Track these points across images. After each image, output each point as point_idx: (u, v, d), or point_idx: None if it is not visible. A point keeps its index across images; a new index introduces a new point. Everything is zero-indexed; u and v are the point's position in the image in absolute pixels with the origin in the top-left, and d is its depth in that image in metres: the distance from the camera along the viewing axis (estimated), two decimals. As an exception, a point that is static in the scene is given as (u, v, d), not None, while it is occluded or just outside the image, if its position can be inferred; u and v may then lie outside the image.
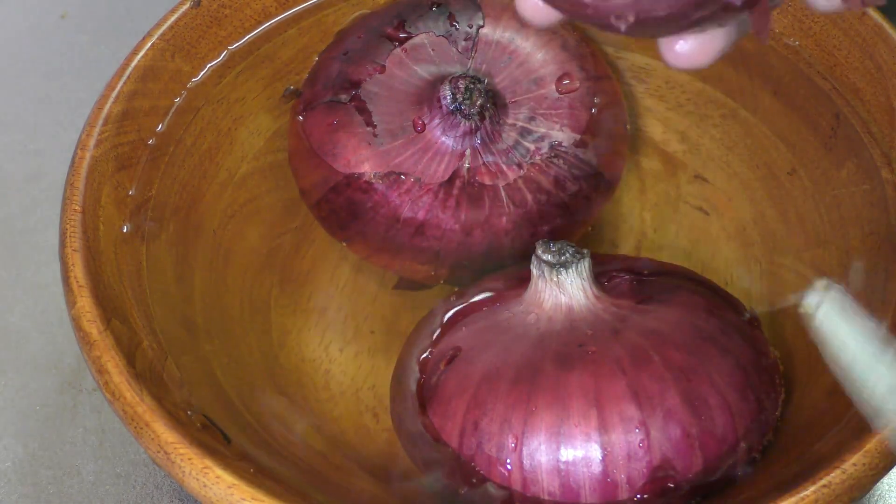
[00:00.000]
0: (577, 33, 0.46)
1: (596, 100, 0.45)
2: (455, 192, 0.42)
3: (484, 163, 0.43)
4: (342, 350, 0.45)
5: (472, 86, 0.42)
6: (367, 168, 0.43)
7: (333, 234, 0.45)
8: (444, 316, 0.41)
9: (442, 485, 0.37)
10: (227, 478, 0.33)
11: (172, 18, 0.45)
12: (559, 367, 0.36)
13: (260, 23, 0.48)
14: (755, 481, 0.36)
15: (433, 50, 0.45)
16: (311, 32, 0.48)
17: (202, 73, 0.46)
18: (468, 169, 0.43)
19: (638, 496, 0.35)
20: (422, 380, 0.39)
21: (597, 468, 0.35)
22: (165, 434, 0.34)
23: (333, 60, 0.45)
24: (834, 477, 0.32)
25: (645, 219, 0.48)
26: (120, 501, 0.43)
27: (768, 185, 0.46)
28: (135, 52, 0.44)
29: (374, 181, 0.43)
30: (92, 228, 0.39)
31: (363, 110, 0.43)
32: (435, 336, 0.40)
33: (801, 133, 0.45)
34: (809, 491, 0.32)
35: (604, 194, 0.45)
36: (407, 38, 0.45)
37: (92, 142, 0.41)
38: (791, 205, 0.45)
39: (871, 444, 0.32)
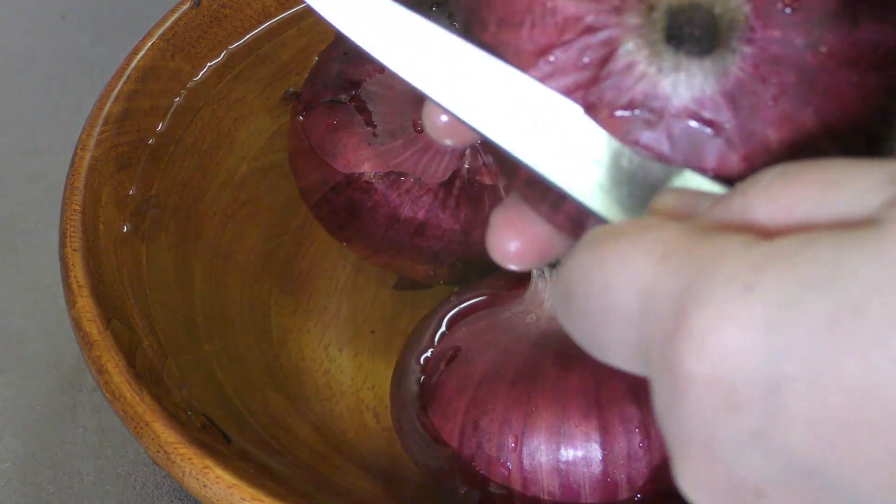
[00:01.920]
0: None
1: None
2: (455, 191, 0.42)
3: (484, 163, 0.43)
4: (342, 350, 0.45)
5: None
6: (367, 168, 0.43)
7: (333, 234, 0.45)
8: (444, 316, 0.41)
9: (442, 485, 0.37)
10: (227, 478, 0.33)
11: (172, 18, 0.45)
12: (559, 366, 0.36)
13: (260, 23, 0.48)
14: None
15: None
16: (311, 32, 0.48)
17: (202, 73, 0.46)
18: (468, 169, 0.43)
19: (638, 496, 0.35)
20: (422, 380, 0.39)
21: (597, 468, 0.35)
22: (165, 434, 0.34)
23: (333, 60, 0.45)
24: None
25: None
26: (120, 501, 0.43)
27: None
28: (135, 52, 0.44)
29: (374, 181, 0.42)
30: (92, 228, 0.39)
31: (363, 110, 0.43)
32: (435, 336, 0.40)
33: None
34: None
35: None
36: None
37: (92, 142, 0.41)
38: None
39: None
